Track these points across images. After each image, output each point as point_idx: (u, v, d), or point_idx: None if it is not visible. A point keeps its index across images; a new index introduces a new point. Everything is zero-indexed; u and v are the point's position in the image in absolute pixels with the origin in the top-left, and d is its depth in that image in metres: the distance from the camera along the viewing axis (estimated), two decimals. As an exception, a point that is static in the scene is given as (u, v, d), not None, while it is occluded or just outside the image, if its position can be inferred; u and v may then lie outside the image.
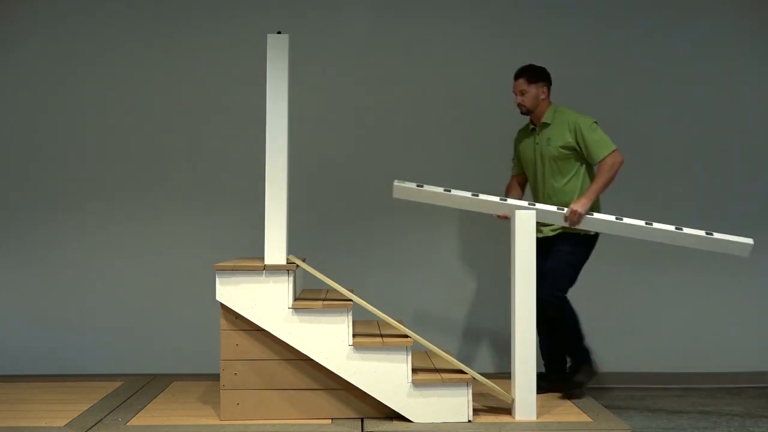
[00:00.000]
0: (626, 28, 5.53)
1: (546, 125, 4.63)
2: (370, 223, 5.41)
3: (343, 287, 4.25)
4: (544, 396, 4.53)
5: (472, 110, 5.48)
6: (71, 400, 4.57)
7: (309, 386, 4.16)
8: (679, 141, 5.56)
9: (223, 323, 4.16)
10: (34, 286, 5.43)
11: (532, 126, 4.72)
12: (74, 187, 5.44)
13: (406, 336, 4.16)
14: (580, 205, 4.33)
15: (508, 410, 4.24)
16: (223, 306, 4.14)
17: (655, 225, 4.28)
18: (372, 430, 3.99)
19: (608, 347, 5.48)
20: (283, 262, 4.15)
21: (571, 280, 4.60)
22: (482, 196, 4.30)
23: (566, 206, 4.42)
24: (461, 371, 4.14)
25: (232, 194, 5.44)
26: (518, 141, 4.83)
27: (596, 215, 4.33)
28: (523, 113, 4.69)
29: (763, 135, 5.58)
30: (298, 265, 4.21)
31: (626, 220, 4.30)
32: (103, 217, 5.45)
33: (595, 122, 4.55)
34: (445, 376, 4.12)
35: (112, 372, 5.31)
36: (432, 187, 4.31)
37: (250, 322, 4.12)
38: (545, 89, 4.64)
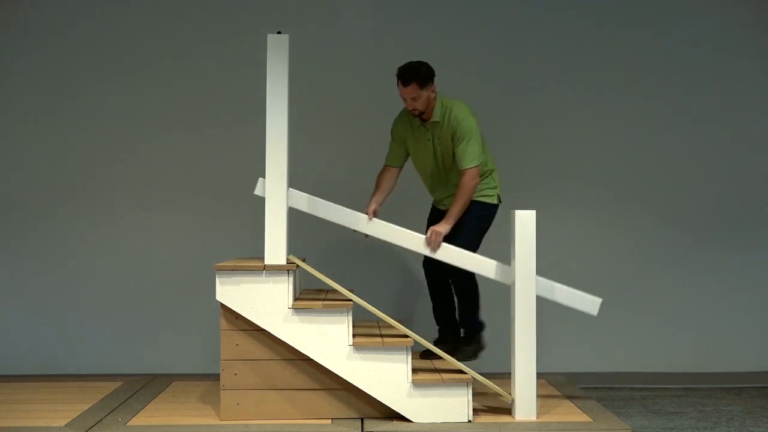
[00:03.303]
0: (624, 28, 5.54)
1: (437, 123, 4.40)
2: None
3: (343, 287, 4.26)
4: (544, 396, 4.52)
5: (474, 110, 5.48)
6: (71, 400, 4.57)
7: (309, 386, 4.16)
8: (677, 141, 5.56)
9: (223, 323, 4.16)
10: (34, 287, 5.43)
11: (421, 121, 4.44)
12: (74, 187, 5.44)
13: (406, 336, 4.16)
14: (443, 228, 4.27)
15: (508, 410, 4.24)
16: (223, 306, 4.14)
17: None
18: (372, 430, 3.98)
19: (609, 347, 5.50)
20: (283, 262, 4.15)
21: (478, 248, 4.50)
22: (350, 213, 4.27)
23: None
24: (461, 371, 4.14)
25: (232, 194, 5.43)
26: (402, 131, 4.52)
27: (451, 248, 4.25)
28: (416, 116, 4.40)
29: (762, 134, 5.58)
30: (298, 265, 4.21)
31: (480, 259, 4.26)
32: (103, 217, 5.45)
33: (476, 128, 4.37)
34: (445, 376, 4.12)
35: (112, 372, 5.31)
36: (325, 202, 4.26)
37: (250, 322, 4.12)
38: (434, 86, 4.36)
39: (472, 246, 4.42)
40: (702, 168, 5.55)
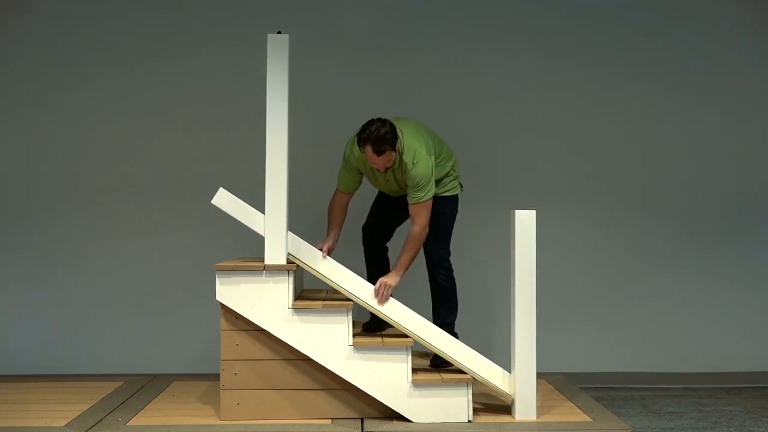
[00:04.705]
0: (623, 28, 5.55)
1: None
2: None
3: (343, 287, 4.26)
4: (544, 396, 4.53)
5: (474, 110, 5.48)
6: (71, 400, 4.57)
7: (309, 386, 4.16)
8: (678, 141, 5.57)
9: (223, 323, 4.16)
10: (34, 287, 5.42)
11: None
12: (74, 187, 5.43)
13: (406, 336, 4.16)
14: (392, 280, 4.24)
15: (508, 410, 4.24)
16: (223, 306, 4.14)
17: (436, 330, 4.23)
18: (372, 430, 3.99)
19: (609, 347, 5.49)
20: (283, 262, 4.15)
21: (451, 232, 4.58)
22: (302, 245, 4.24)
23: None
24: (461, 371, 4.14)
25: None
26: (359, 164, 4.40)
27: (400, 305, 4.23)
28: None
29: (759, 134, 5.58)
30: (298, 265, 4.21)
31: (421, 321, 4.23)
32: (103, 217, 5.44)
33: (425, 160, 4.24)
34: (445, 376, 4.13)
35: (112, 372, 5.31)
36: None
37: (250, 322, 4.12)
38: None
39: (449, 234, 4.51)
40: (703, 168, 5.54)
